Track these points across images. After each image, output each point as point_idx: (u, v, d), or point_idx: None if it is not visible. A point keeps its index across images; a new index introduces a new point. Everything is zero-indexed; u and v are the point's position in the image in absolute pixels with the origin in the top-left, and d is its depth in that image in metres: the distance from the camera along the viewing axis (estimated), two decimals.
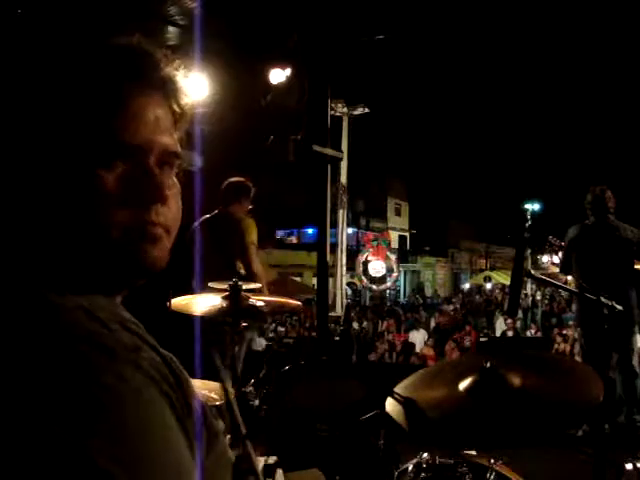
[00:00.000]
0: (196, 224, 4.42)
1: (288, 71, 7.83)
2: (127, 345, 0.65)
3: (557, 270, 6.01)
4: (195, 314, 2.22)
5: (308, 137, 7.61)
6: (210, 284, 2.48)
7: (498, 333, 14.24)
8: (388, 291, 22.84)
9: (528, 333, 14.42)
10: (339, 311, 14.62)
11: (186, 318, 2.19)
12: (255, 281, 3.41)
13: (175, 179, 0.77)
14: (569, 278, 5.46)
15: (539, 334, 13.17)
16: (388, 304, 23.25)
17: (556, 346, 10.93)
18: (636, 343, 4.95)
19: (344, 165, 10.15)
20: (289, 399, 2.77)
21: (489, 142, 29.58)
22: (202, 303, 2.29)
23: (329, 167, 8.52)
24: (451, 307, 20.08)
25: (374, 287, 16.59)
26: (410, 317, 16.51)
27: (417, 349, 11.86)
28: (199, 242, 4.28)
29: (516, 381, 1.73)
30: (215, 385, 1.99)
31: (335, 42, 7.90)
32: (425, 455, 1.95)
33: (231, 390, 1.55)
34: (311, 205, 9.88)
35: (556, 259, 5.60)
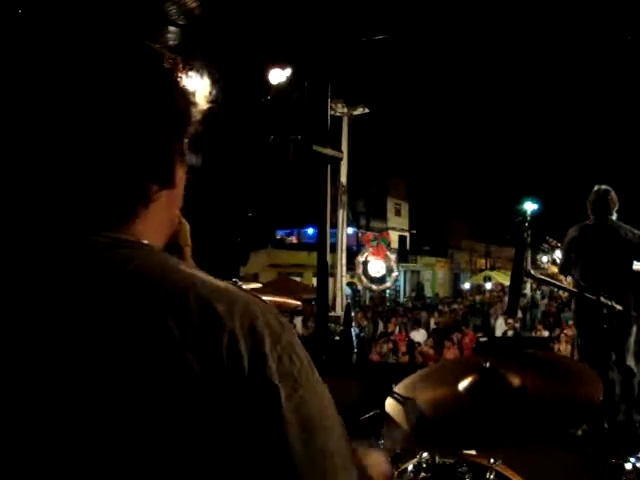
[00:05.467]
0: None
1: (288, 71, 7.84)
2: None
3: (557, 270, 6.02)
4: None
5: (308, 137, 7.62)
6: None
7: (498, 333, 14.23)
8: (388, 291, 22.82)
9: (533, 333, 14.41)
10: (339, 311, 14.60)
11: None
12: None
13: None
14: (568, 278, 5.47)
15: (545, 334, 13.14)
16: (388, 304, 23.24)
17: (557, 346, 10.93)
18: (632, 343, 4.96)
19: (344, 165, 10.14)
20: None
21: (489, 142, 29.58)
22: None
23: (329, 167, 8.51)
24: (454, 306, 20.11)
25: (374, 287, 16.57)
26: (410, 317, 16.53)
27: (417, 349, 11.87)
28: None
29: (516, 381, 1.73)
30: None
31: (335, 42, 7.89)
32: (425, 455, 1.95)
33: None
34: (311, 205, 9.88)
35: (558, 254, 5.62)
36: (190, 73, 0.83)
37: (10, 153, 0.72)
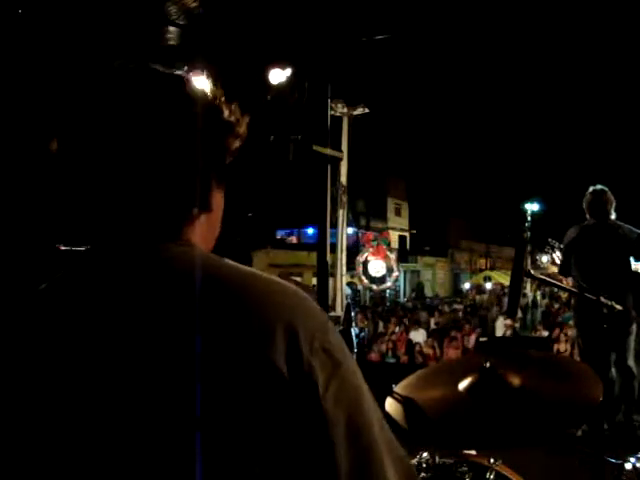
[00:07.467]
0: None
1: (288, 71, 7.83)
2: None
3: (557, 270, 6.00)
4: None
5: (308, 137, 7.62)
6: None
7: (498, 333, 14.22)
8: (388, 291, 22.82)
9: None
10: (339, 311, 14.58)
11: None
12: None
13: None
14: (568, 278, 5.46)
15: (545, 334, 13.12)
16: (388, 304, 23.24)
17: (557, 346, 10.93)
18: (632, 343, 4.96)
19: (344, 165, 10.13)
20: None
21: (489, 142, 29.59)
22: None
23: (329, 167, 8.52)
24: (455, 306, 20.11)
25: (374, 287, 16.57)
26: (410, 317, 16.52)
27: (417, 349, 11.87)
28: None
29: (516, 381, 1.73)
30: None
31: (335, 42, 7.89)
32: (425, 455, 1.95)
33: None
34: (311, 205, 9.88)
35: (558, 254, 5.58)
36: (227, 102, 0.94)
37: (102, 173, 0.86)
